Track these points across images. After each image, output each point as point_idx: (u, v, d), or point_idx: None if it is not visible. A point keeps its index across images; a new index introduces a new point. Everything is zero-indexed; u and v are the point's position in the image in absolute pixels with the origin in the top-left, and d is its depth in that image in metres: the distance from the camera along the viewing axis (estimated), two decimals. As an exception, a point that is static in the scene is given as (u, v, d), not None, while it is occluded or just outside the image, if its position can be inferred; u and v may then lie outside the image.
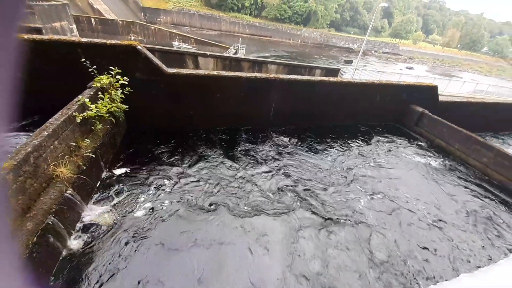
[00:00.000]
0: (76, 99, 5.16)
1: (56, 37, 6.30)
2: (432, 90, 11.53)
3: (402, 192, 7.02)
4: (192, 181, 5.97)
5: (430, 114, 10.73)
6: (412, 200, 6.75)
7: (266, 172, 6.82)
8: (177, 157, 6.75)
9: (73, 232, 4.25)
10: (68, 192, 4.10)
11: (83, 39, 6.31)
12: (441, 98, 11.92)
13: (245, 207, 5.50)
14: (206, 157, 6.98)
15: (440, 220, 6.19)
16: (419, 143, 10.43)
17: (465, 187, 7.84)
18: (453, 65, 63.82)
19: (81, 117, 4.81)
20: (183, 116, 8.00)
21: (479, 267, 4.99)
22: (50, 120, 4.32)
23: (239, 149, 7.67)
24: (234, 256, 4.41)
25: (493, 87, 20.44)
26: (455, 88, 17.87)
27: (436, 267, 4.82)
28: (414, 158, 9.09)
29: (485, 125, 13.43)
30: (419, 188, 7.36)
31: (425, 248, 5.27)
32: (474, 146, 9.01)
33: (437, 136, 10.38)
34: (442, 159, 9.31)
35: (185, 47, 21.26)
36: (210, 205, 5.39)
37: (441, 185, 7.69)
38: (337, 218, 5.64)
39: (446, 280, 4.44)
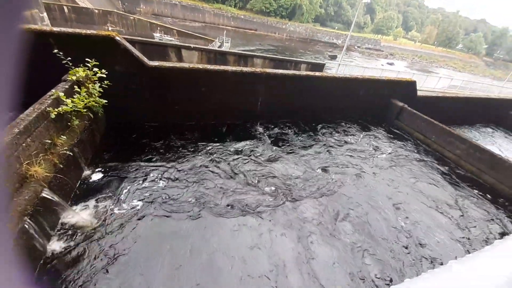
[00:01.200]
0: (49, 93, 4.84)
1: (25, 26, 5.82)
2: (411, 85, 12.01)
3: (381, 183, 7.34)
4: (177, 179, 5.86)
5: (409, 108, 11.19)
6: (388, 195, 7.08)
7: (252, 168, 6.83)
8: (161, 153, 6.58)
9: (52, 234, 4.04)
10: (44, 192, 3.87)
11: (56, 29, 5.88)
12: (419, 93, 12.47)
13: (232, 205, 5.49)
14: (191, 153, 6.85)
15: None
16: (399, 136, 10.88)
17: (437, 174, 8.34)
18: (431, 61, 66.78)
19: (55, 113, 4.52)
20: (167, 111, 7.77)
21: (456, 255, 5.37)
22: (20, 116, 4.03)
23: (225, 144, 7.60)
24: (226, 249, 4.43)
25: (466, 83, 21.67)
26: (432, 83, 18.76)
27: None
28: (396, 151, 9.48)
29: (459, 118, 14.26)
30: (396, 182, 7.71)
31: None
32: (449, 139, 9.55)
33: (416, 129, 10.88)
34: (420, 152, 9.79)
35: (168, 39, 20.52)
36: (196, 203, 5.33)
37: (420, 178, 8.12)
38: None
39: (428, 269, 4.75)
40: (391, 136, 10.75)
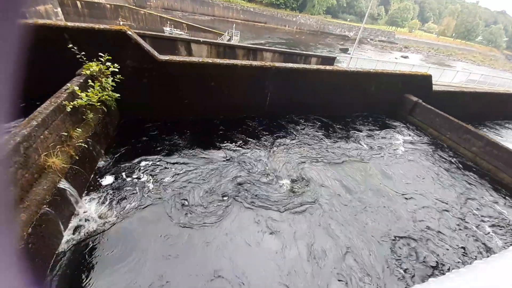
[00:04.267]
0: (65, 87, 4.98)
1: (41, 21, 5.98)
2: (426, 80, 11.58)
3: (392, 183, 7.20)
4: (186, 173, 5.94)
5: (423, 103, 10.82)
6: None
7: (262, 162, 6.84)
8: (171, 148, 6.67)
9: (69, 223, 4.23)
10: (61, 182, 4.04)
11: (70, 24, 6.01)
12: (435, 87, 12.02)
13: (250, 200, 5.55)
14: (199, 147, 6.90)
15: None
16: (413, 132, 10.58)
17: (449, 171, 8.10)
18: (448, 55, 63.98)
19: (71, 106, 4.66)
20: (177, 106, 7.84)
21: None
22: (38, 109, 4.18)
23: (235, 139, 7.61)
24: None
25: (485, 77, 20.67)
26: (448, 77, 18.01)
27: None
28: (409, 148, 9.25)
29: (477, 114, 13.69)
30: (412, 181, 7.54)
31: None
32: (465, 136, 9.20)
33: (430, 125, 10.54)
34: (434, 148, 9.51)
35: (177, 33, 20.55)
36: (212, 197, 5.41)
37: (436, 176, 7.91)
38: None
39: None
40: (404, 131, 10.46)
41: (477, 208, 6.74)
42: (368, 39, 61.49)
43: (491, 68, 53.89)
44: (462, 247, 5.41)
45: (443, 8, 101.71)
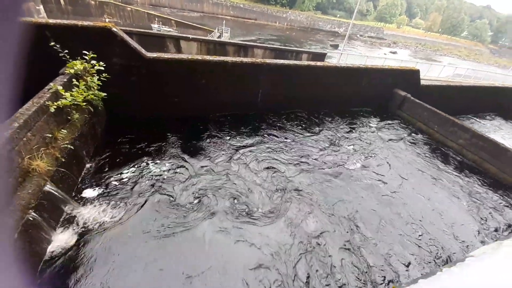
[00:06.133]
0: (47, 87, 4.79)
1: (21, 19, 5.71)
2: (414, 74, 11.80)
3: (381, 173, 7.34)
4: (177, 172, 5.86)
5: (412, 98, 11.04)
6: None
7: (254, 160, 6.83)
8: (161, 147, 6.54)
9: (56, 227, 4.10)
10: (47, 186, 3.90)
11: (51, 21, 5.76)
12: (422, 82, 12.26)
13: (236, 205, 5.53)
14: (189, 147, 6.82)
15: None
16: (401, 126, 10.79)
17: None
18: (435, 50, 65.40)
19: (55, 106, 4.48)
20: (167, 104, 7.70)
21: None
22: (20, 110, 4.00)
23: (226, 138, 7.55)
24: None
25: (471, 71, 21.25)
26: (435, 72, 18.41)
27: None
28: (397, 142, 9.43)
29: (463, 107, 14.08)
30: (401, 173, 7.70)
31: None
32: (452, 128, 9.45)
33: (418, 119, 10.77)
34: (421, 141, 9.73)
35: (166, 30, 20.18)
36: (201, 200, 5.36)
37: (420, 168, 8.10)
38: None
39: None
40: (393, 126, 10.65)
41: (462, 197, 6.97)
42: (358, 35, 62.12)
43: (476, 62, 55.42)
44: (445, 236, 5.60)
45: (430, 4, 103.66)
